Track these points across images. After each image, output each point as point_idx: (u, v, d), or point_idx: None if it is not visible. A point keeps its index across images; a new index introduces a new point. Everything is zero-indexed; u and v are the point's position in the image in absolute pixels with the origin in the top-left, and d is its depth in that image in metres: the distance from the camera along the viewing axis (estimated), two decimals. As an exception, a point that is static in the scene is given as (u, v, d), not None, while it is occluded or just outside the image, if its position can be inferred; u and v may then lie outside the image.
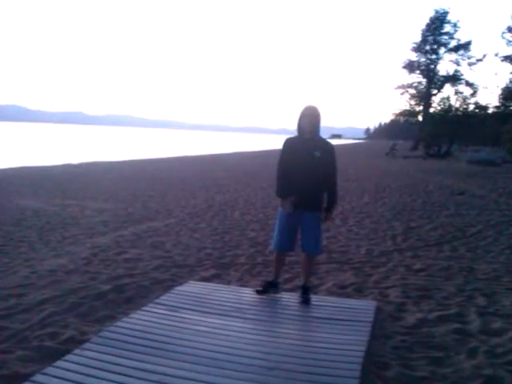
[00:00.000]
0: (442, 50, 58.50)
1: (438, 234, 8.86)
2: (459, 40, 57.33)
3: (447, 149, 41.01)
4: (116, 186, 15.21)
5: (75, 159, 26.68)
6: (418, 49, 59.13)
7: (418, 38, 58.84)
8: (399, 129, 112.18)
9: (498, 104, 47.71)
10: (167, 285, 5.47)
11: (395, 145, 47.28)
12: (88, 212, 10.46)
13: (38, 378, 3.04)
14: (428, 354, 3.90)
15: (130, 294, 5.18)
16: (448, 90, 59.31)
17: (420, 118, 59.47)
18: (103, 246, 7.31)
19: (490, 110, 47.25)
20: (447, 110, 44.89)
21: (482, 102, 48.39)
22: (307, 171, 4.61)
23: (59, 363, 3.24)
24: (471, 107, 46.06)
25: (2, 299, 4.84)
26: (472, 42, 56.47)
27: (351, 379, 3.16)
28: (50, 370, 3.14)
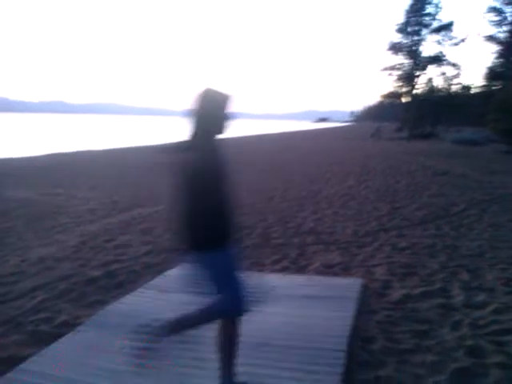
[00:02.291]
0: (424, 31, 58.54)
1: (422, 213, 9.01)
2: (441, 21, 57.43)
3: (431, 130, 41.34)
4: (103, 175, 15.17)
5: (60, 149, 26.43)
6: (402, 30, 59.11)
7: (403, 20, 58.82)
8: (385, 111, 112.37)
9: (482, 84, 48.04)
10: (157, 269, 5.55)
11: (380, 127, 47.75)
12: (75, 201, 10.45)
13: (35, 359, 3.11)
14: (412, 327, 4.03)
15: (120, 279, 5.26)
16: (432, 71, 59.48)
17: (405, 99, 59.68)
18: (92, 234, 7.35)
19: (474, 90, 47.66)
20: (431, 91, 45.18)
21: (466, 83, 48.90)
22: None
23: (54, 346, 3.32)
24: (455, 88, 46.47)
25: (-5, 287, 4.90)
26: (454, 23, 56.58)
27: (338, 352, 3.28)
28: (45, 352, 3.22)
